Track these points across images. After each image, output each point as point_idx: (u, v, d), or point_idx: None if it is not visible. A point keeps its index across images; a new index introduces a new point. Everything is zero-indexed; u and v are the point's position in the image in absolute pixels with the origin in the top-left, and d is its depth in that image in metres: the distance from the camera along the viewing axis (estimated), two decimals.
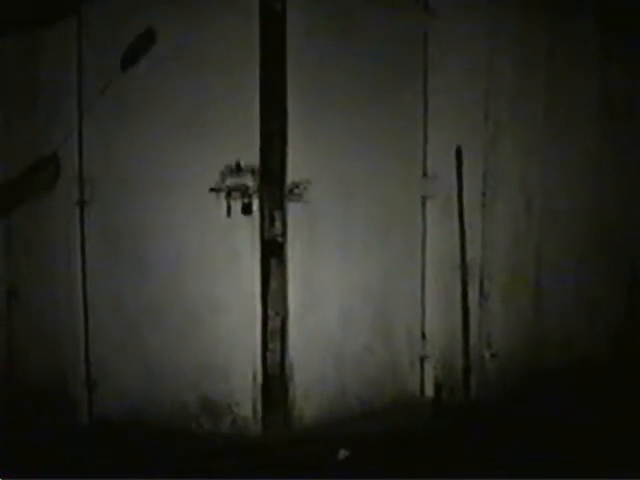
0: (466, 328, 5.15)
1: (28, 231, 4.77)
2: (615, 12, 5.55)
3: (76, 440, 4.61)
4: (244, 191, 4.65)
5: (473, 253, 5.18)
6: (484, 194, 5.22)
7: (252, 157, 4.65)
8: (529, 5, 5.29)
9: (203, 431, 4.78)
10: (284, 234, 4.80)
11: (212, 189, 4.64)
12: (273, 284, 4.85)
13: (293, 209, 4.77)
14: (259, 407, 4.79)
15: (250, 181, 4.61)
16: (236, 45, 4.62)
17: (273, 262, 4.84)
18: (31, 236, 4.77)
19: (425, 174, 5.19)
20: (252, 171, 4.60)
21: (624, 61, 5.65)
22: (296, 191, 4.74)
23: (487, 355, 5.30)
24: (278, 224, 4.82)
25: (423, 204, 5.20)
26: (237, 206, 4.66)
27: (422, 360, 5.28)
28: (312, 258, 4.87)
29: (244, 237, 4.70)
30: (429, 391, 5.28)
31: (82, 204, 4.75)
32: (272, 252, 4.82)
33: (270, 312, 4.86)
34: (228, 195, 4.65)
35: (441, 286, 5.22)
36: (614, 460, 4.28)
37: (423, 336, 5.26)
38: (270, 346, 4.87)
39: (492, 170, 5.23)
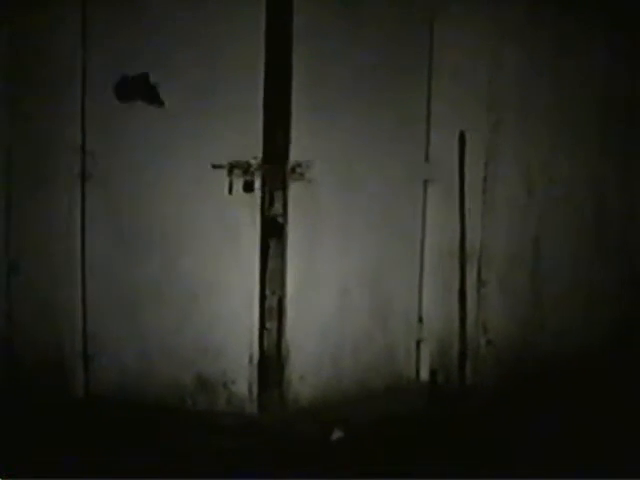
0: (463, 313, 5.14)
1: (28, 204, 4.74)
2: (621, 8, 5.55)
3: (71, 413, 4.61)
4: (246, 168, 4.64)
5: (472, 239, 5.18)
6: (485, 180, 5.23)
7: (255, 135, 4.65)
8: None
9: (198, 409, 4.78)
10: (285, 213, 4.80)
11: (214, 165, 4.63)
12: (272, 263, 4.86)
13: (295, 189, 4.77)
14: (255, 387, 4.80)
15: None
16: (242, 24, 4.62)
17: (273, 241, 4.85)
18: (31, 209, 4.74)
19: (427, 158, 5.18)
20: None
21: (628, 48, 5.63)
22: (298, 170, 4.73)
23: (483, 341, 5.31)
24: (279, 203, 4.82)
25: (425, 188, 5.19)
26: (239, 183, 4.66)
27: (418, 344, 5.28)
28: (312, 238, 4.87)
29: (245, 215, 4.70)
30: (425, 375, 5.28)
31: (83, 177, 4.73)
32: (272, 231, 4.82)
33: (268, 292, 4.86)
34: (230, 172, 4.65)
35: (439, 270, 5.21)
36: (608, 449, 4.32)
37: (420, 320, 5.26)
38: (267, 325, 4.88)
39: (494, 156, 5.23)
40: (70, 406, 4.69)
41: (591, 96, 5.57)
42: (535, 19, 5.33)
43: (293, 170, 4.73)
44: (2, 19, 4.69)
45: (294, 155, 4.74)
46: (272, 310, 4.89)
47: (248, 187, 4.67)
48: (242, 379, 4.79)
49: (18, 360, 4.77)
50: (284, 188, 4.78)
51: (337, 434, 4.57)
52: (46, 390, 4.66)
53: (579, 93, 5.51)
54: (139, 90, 4.68)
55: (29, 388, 4.66)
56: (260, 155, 4.67)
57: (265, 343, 4.88)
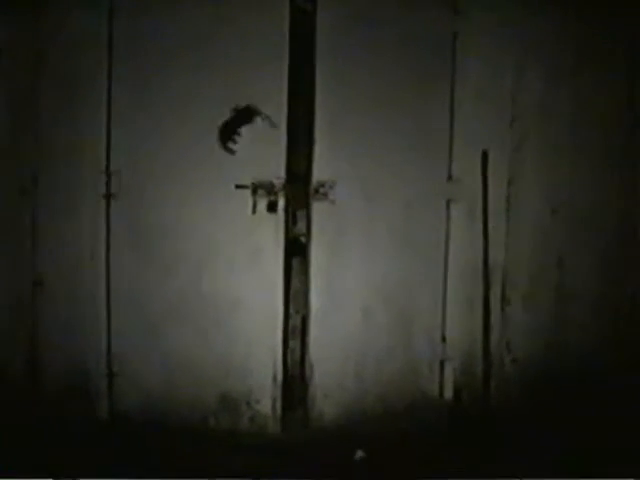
0: (487, 332, 5.13)
1: (55, 222, 4.78)
2: None
3: (95, 433, 4.63)
4: (270, 189, 4.67)
5: (496, 257, 5.17)
6: (508, 199, 5.21)
7: (278, 155, 4.68)
8: (559, 10, 5.27)
9: (222, 428, 4.79)
10: (308, 233, 4.83)
11: (238, 186, 4.66)
12: (295, 283, 4.89)
13: (318, 209, 4.80)
14: (278, 405, 4.83)
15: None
16: (266, 44, 4.66)
17: (296, 261, 4.88)
18: (57, 228, 4.78)
19: (450, 177, 5.16)
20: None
21: None
22: (321, 190, 4.76)
23: (508, 360, 5.28)
24: (302, 223, 4.85)
25: (447, 207, 5.17)
26: (262, 204, 4.69)
27: (442, 363, 5.25)
28: (335, 258, 4.89)
29: (268, 235, 4.73)
30: (448, 394, 5.25)
31: (109, 197, 4.75)
32: (295, 251, 4.85)
33: (291, 311, 4.89)
34: (254, 192, 4.68)
35: (463, 290, 5.19)
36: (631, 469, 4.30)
37: (443, 339, 5.23)
38: (291, 344, 4.91)
39: (517, 175, 5.22)
40: (94, 426, 4.71)
41: (614, 112, 5.53)
42: (557, 35, 5.31)
43: (316, 190, 4.76)
44: (28, 38, 4.75)
45: (317, 175, 4.77)
46: (295, 329, 4.91)
47: (272, 207, 4.70)
48: (266, 398, 4.81)
49: (42, 380, 4.80)
50: (307, 208, 4.81)
51: (359, 454, 4.57)
52: (70, 410, 4.69)
53: (602, 110, 5.47)
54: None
55: (53, 407, 4.68)
56: (283, 175, 4.70)
57: (289, 362, 4.91)
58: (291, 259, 4.86)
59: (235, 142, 4.68)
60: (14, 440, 4.35)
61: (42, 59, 4.79)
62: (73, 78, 4.76)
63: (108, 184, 4.75)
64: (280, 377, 4.82)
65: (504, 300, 5.25)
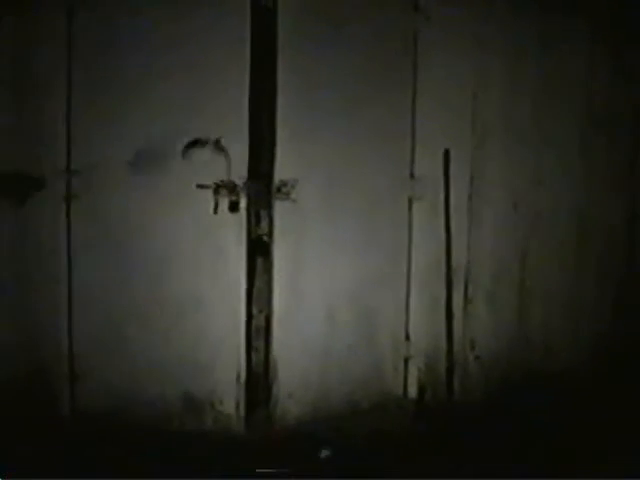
0: (450, 330, 5.15)
1: (14, 224, 4.73)
2: (605, 20, 5.58)
3: (57, 434, 4.58)
4: (232, 188, 4.65)
5: (458, 255, 5.20)
6: (470, 197, 5.24)
7: (241, 154, 4.67)
8: (520, 9, 5.31)
9: (185, 428, 4.76)
10: (271, 233, 4.82)
11: (199, 185, 4.64)
12: (258, 282, 4.87)
13: (280, 208, 4.79)
14: (242, 405, 4.82)
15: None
16: (226, 42, 4.63)
17: (259, 260, 4.86)
18: (17, 229, 4.72)
19: (412, 175, 5.18)
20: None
21: (610, 68, 5.67)
22: (284, 190, 4.75)
23: (471, 357, 5.32)
24: (265, 222, 4.83)
25: (410, 206, 5.19)
26: (224, 203, 4.67)
27: (406, 361, 5.27)
28: (298, 257, 4.88)
29: (230, 235, 4.72)
30: (412, 392, 5.27)
31: (69, 198, 4.70)
32: (258, 250, 4.84)
33: (255, 310, 4.87)
34: (215, 192, 4.66)
35: (426, 287, 5.21)
36: (596, 463, 4.33)
37: (407, 337, 5.25)
38: (254, 344, 4.89)
39: (479, 172, 5.26)
40: (56, 426, 4.65)
41: (576, 110, 5.60)
42: (518, 35, 5.36)
43: (278, 189, 4.75)
44: None
45: (279, 174, 4.76)
46: (259, 329, 4.90)
47: (234, 207, 4.68)
48: (229, 398, 4.80)
49: (2, 383, 4.75)
50: (269, 207, 4.80)
51: (325, 452, 4.58)
52: (32, 412, 4.63)
53: (564, 107, 5.54)
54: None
55: (14, 409, 4.63)
56: (245, 174, 4.69)
57: (252, 362, 4.88)
58: (254, 259, 4.84)
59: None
60: None
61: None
62: (31, 78, 4.71)
63: (68, 184, 4.69)
64: (244, 377, 4.80)
65: (467, 298, 5.29)
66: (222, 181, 4.65)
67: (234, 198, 4.66)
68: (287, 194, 4.77)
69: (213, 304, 4.75)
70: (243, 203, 4.70)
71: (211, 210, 4.66)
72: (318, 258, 4.94)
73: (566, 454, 4.52)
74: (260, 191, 4.76)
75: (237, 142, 4.66)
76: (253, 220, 4.79)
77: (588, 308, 5.66)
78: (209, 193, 4.66)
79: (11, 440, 4.40)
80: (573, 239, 5.60)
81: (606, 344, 5.63)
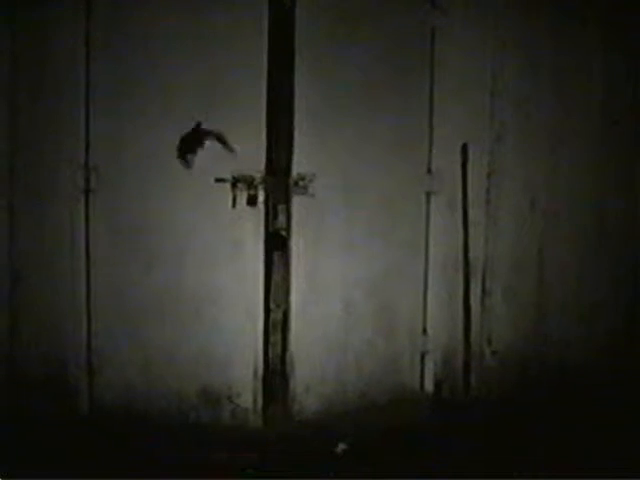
0: (467, 325, 5.16)
1: (33, 218, 4.75)
2: (619, 18, 5.58)
3: (76, 427, 4.61)
4: (250, 182, 4.66)
5: (476, 250, 5.21)
6: (488, 191, 5.24)
7: (258, 149, 4.67)
8: (536, 8, 5.31)
9: (202, 422, 4.77)
10: (288, 227, 4.82)
11: (217, 179, 4.65)
12: (276, 277, 4.87)
13: (298, 202, 4.79)
14: (259, 399, 4.82)
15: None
16: (245, 39, 4.65)
17: (276, 255, 4.86)
18: (36, 223, 4.75)
19: (429, 170, 5.17)
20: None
21: (626, 65, 5.66)
22: (301, 184, 4.75)
23: (488, 352, 5.31)
24: (282, 217, 4.84)
25: (427, 200, 5.17)
26: (242, 197, 4.68)
27: (423, 356, 5.26)
28: (315, 251, 4.88)
29: (248, 229, 4.72)
30: (429, 387, 5.26)
31: (87, 192, 4.72)
32: (276, 245, 4.84)
33: (272, 305, 4.87)
34: (234, 186, 4.67)
35: (443, 282, 5.21)
36: (607, 460, 4.33)
37: (424, 332, 5.24)
38: (271, 339, 4.89)
39: (497, 168, 5.25)
40: (74, 420, 4.68)
41: (592, 107, 5.59)
42: (534, 32, 5.35)
43: (296, 183, 4.75)
44: (5, 28, 4.71)
45: (297, 168, 4.77)
46: (276, 323, 4.90)
47: (252, 201, 4.69)
48: (246, 392, 4.80)
49: (21, 375, 4.77)
50: (287, 201, 4.80)
51: (341, 447, 4.58)
52: (50, 405, 4.66)
53: (580, 104, 5.54)
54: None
55: (32, 403, 4.66)
56: (263, 169, 4.70)
57: (270, 356, 4.89)
58: (272, 253, 4.85)
59: (192, 155, 4.69)
60: None
61: (19, 53, 4.75)
62: (51, 72, 4.73)
63: (87, 179, 4.71)
64: (261, 371, 4.81)
65: (484, 292, 5.28)
66: (240, 175, 4.66)
67: (252, 192, 4.67)
68: (305, 188, 4.77)
69: (231, 298, 4.76)
70: (261, 197, 4.70)
71: (229, 204, 4.67)
72: (335, 252, 4.94)
73: (579, 450, 4.52)
74: (278, 185, 4.77)
75: (255, 136, 4.66)
76: (271, 214, 4.80)
77: (605, 304, 5.64)
78: (227, 187, 4.67)
79: (30, 434, 4.43)
80: (591, 234, 5.59)
81: (623, 340, 5.61)
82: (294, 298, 4.85)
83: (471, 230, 5.15)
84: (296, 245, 4.82)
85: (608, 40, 5.58)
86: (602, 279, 5.68)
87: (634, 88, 5.71)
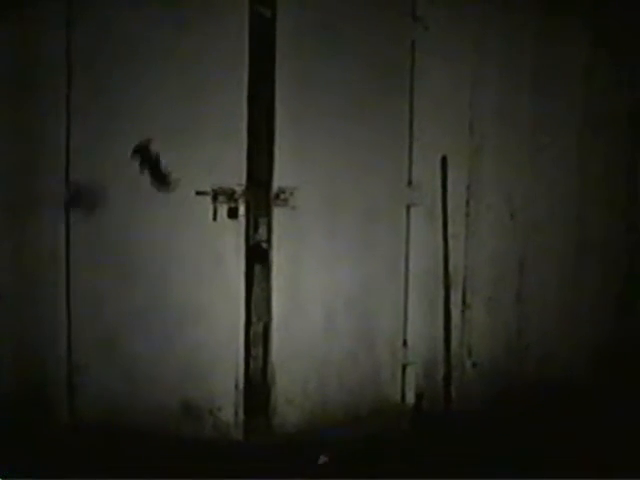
0: (448, 337, 5.17)
1: (12, 234, 4.72)
2: (602, 29, 5.62)
3: (56, 443, 4.57)
4: (230, 195, 4.66)
5: (456, 262, 5.23)
6: (468, 204, 5.27)
7: (239, 161, 4.68)
8: (516, 19, 5.35)
9: (184, 435, 4.75)
10: (269, 240, 4.82)
11: (198, 192, 4.65)
12: (257, 290, 4.89)
13: (279, 215, 4.79)
14: (241, 412, 4.80)
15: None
16: (225, 50, 4.65)
17: (257, 267, 4.87)
18: (16, 239, 4.72)
19: (410, 182, 5.19)
20: None
21: (608, 71, 5.69)
22: (282, 197, 4.76)
23: (468, 364, 5.33)
24: (263, 229, 4.85)
25: (407, 212, 5.19)
26: (223, 210, 4.68)
27: (404, 368, 5.27)
28: (297, 264, 4.88)
29: (229, 242, 4.71)
30: (410, 398, 5.27)
31: (68, 207, 4.71)
32: (257, 257, 4.85)
33: (253, 318, 4.88)
34: (214, 199, 4.67)
35: (424, 294, 5.22)
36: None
37: (405, 344, 5.25)
38: (253, 352, 4.90)
39: (476, 180, 5.29)
40: (54, 436, 4.64)
41: (574, 116, 5.62)
42: (515, 43, 5.40)
43: (277, 196, 4.76)
44: None
45: (278, 181, 4.77)
46: (258, 336, 4.91)
47: (232, 213, 4.68)
48: (228, 405, 4.79)
49: (1, 390, 4.74)
50: (268, 214, 4.81)
51: (322, 459, 4.58)
52: (30, 421, 4.63)
53: (562, 114, 5.57)
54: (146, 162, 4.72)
55: (12, 420, 4.62)
56: (244, 182, 4.70)
57: (251, 369, 4.89)
58: (252, 266, 4.86)
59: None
60: None
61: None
62: (31, 86, 4.72)
63: (68, 193, 4.70)
64: (242, 384, 4.79)
65: (465, 304, 5.30)
66: (221, 188, 4.66)
67: (233, 205, 4.67)
68: (285, 201, 4.77)
69: (212, 311, 4.75)
70: (242, 210, 4.70)
71: (210, 217, 4.67)
72: (316, 265, 4.94)
73: (563, 462, 4.53)
74: (259, 198, 4.78)
75: (236, 149, 4.67)
76: (252, 227, 4.81)
77: (587, 316, 5.67)
78: (208, 200, 4.67)
79: (11, 452, 4.40)
80: (572, 245, 5.62)
81: (606, 352, 5.63)
82: (275, 311, 4.84)
83: (451, 242, 5.17)
84: (277, 258, 4.81)
85: (592, 44, 5.62)
86: (584, 290, 5.71)
87: (617, 95, 5.75)
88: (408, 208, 5.20)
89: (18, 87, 4.72)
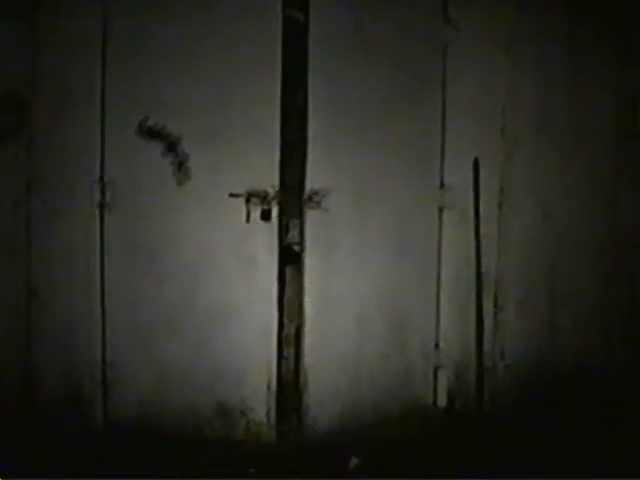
0: (480, 339, 5.15)
1: (49, 235, 4.78)
2: (632, 34, 5.60)
3: (91, 443, 4.62)
4: (263, 197, 4.69)
5: (488, 265, 5.21)
6: (500, 206, 5.26)
7: (272, 164, 4.71)
8: (550, 20, 5.34)
9: (217, 436, 4.79)
10: (301, 242, 4.84)
11: (232, 194, 4.68)
12: (289, 291, 4.89)
13: (311, 217, 4.82)
14: (273, 414, 4.83)
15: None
16: (258, 55, 4.69)
17: (290, 269, 4.88)
18: (51, 238, 4.78)
19: (442, 185, 5.19)
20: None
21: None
22: (315, 199, 4.78)
23: (501, 366, 5.31)
24: (296, 231, 4.86)
25: (440, 215, 5.19)
26: (256, 212, 4.71)
27: (436, 370, 5.27)
28: (329, 266, 4.90)
29: (262, 244, 4.75)
30: (442, 401, 5.26)
31: (102, 207, 4.76)
32: (289, 259, 4.86)
33: (285, 319, 4.89)
34: (247, 201, 4.70)
35: (456, 297, 5.21)
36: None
37: (437, 346, 5.25)
38: (285, 353, 4.90)
39: (509, 182, 5.27)
40: (89, 435, 4.69)
41: (606, 120, 5.60)
42: (548, 46, 5.38)
43: (309, 198, 4.78)
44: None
45: (310, 184, 4.80)
46: (290, 337, 4.92)
47: (265, 215, 4.71)
48: (260, 406, 4.82)
49: (37, 390, 4.79)
50: (301, 216, 4.83)
51: (354, 462, 4.59)
52: (65, 420, 4.68)
53: (594, 118, 5.55)
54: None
55: (48, 417, 4.67)
56: (277, 184, 4.73)
57: (283, 370, 4.90)
58: (285, 267, 4.87)
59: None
60: (10, 450, 4.33)
61: (35, 65, 4.79)
62: (66, 86, 4.77)
63: (102, 194, 4.75)
64: (274, 385, 4.82)
65: (497, 307, 5.28)
66: (254, 190, 4.69)
67: (266, 207, 4.70)
68: (318, 203, 4.79)
69: (244, 313, 4.78)
70: (275, 212, 4.73)
71: (243, 219, 4.70)
72: (348, 267, 4.96)
73: (594, 461, 4.52)
74: (291, 200, 4.80)
75: (269, 151, 4.70)
76: (284, 229, 4.83)
77: (619, 318, 5.64)
78: (241, 202, 4.70)
79: (46, 449, 4.45)
80: (603, 248, 5.58)
81: (636, 355, 5.60)
82: (307, 312, 4.87)
83: (483, 244, 5.15)
84: (309, 259, 4.84)
85: (623, 52, 5.60)
86: (617, 293, 5.68)
87: None
88: (440, 210, 5.20)
89: (53, 86, 4.78)
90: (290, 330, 4.91)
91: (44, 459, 4.34)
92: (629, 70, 5.64)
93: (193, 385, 4.79)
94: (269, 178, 4.71)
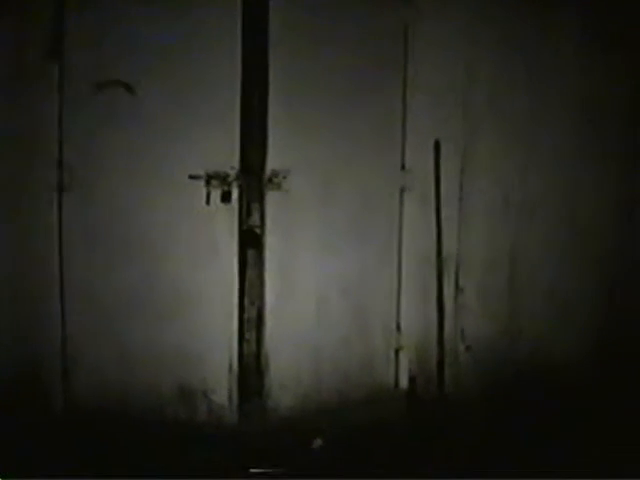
0: (441, 321, 5.17)
1: (5, 218, 4.72)
2: (599, 8, 5.61)
3: (51, 428, 4.58)
4: (224, 179, 4.67)
5: (449, 246, 5.22)
6: (461, 188, 5.27)
7: (232, 145, 4.69)
8: (512, 2, 5.35)
9: (179, 419, 4.78)
10: (262, 224, 4.83)
11: (191, 176, 4.66)
12: (250, 274, 4.88)
13: (272, 199, 4.80)
14: (235, 396, 4.84)
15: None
16: (218, 35, 4.66)
17: (251, 252, 4.87)
18: (8, 222, 4.71)
19: (403, 167, 5.20)
20: None
21: (604, 57, 5.68)
22: (275, 180, 4.77)
23: (461, 348, 5.34)
24: (256, 214, 4.85)
25: (401, 196, 5.21)
26: (217, 194, 4.69)
27: (397, 352, 5.29)
28: (290, 248, 4.90)
29: (223, 226, 4.74)
30: (404, 383, 5.28)
31: (60, 190, 4.70)
32: (250, 241, 4.85)
33: (247, 302, 4.88)
34: (207, 183, 4.67)
35: (417, 279, 5.23)
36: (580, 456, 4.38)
37: (398, 328, 5.27)
38: (246, 336, 4.90)
39: (470, 165, 5.29)
40: (49, 419, 4.65)
41: (568, 102, 5.61)
42: (509, 27, 5.38)
43: (270, 180, 4.77)
44: None
45: (271, 165, 4.78)
46: (251, 320, 4.91)
47: (226, 198, 4.70)
48: (222, 388, 4.82)
49: None
50: (261, 198, 4.81)
51: (317, 443, 4.60)
52: (25, 406, 4.63)
53: (556, 100, 5.56)
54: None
55: (4, 401, 4.62)
56: (237, 166, 4.71)
57: (244, 353, 4.90)
58: (246, 250, 4.86)
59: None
60: None
61: None
62: (23, 68, 4.70)
63: (60, 177, 4.70)
64: (236, 368, 4.83)
65: (458, 289, 5.31)
66: (214, 172, 4.67)
67: (226, 189, 4.68)
68: (279, 185, 4.78)
69: (205, 295, 4.77)
70: (235, 194, 4.71)
71: (203, 201, 4.68)
72: (310, 249, 4.96)
73: (553, 446, 4.56)
74: (252, 182, 4.78)
75: (229, 132, 4.68)
76: (245, 211, 4.81)
77: (580, 300, 5.67)
78: (201, 184, 4.68)
79: (7, 438, 4.40)
80: (565, 231, 5.61)
81: (598, 337, 5.64)
82: (268, 295, 4.87)
83: (444, 227, 5.16)
84: (270, 242, 4.84)
85: (587, 32, 5.61)
86: (576, 276, 5.72)
87: (613, 83, 5.74)
88: (401, 192, 5.21)
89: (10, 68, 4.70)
90: (251, 313, 4.90)
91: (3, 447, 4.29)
92: (595, 48, 5.65)
93: (155, 367, 4.76)
94: (229, 160, 4.69)
